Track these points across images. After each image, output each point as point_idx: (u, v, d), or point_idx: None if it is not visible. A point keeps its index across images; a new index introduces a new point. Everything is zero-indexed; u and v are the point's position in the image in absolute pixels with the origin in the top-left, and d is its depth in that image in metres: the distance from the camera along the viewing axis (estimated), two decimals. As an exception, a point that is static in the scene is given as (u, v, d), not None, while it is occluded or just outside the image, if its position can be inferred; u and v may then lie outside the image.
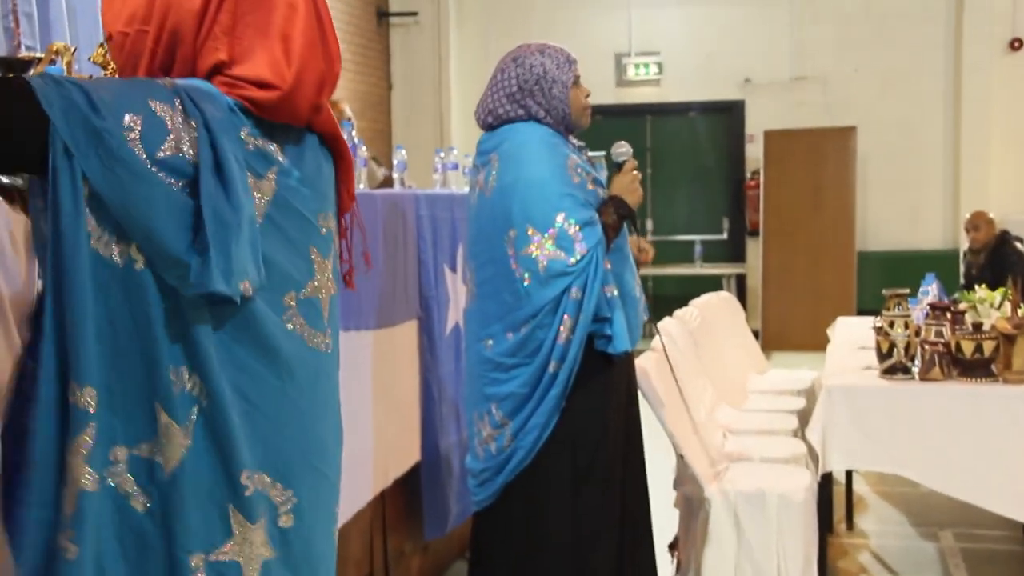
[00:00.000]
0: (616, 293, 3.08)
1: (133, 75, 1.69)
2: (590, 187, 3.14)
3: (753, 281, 10.85)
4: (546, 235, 2.98)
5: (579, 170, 3.11)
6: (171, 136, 1.54)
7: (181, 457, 1.58)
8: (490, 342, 3.09)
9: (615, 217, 3.15)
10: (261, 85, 1.65)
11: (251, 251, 1.62)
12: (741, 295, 10.58)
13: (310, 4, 1.73)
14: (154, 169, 1.52)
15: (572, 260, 2.97)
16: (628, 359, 3.25)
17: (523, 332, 3.02)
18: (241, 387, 1.64)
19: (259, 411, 1.66)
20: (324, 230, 1.79)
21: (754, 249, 10.89)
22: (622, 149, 3.29)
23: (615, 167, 3.27)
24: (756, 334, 8.76)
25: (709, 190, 11.35)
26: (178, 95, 1.58)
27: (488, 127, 3.21)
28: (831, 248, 10.22)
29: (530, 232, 2.99)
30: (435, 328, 4.13)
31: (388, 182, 5.68)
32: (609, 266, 3.06)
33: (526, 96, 3.12)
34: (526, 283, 3.00)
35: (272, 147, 1.69)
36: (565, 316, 2.98)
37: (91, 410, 1.53)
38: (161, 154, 1.53)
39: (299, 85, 1.67)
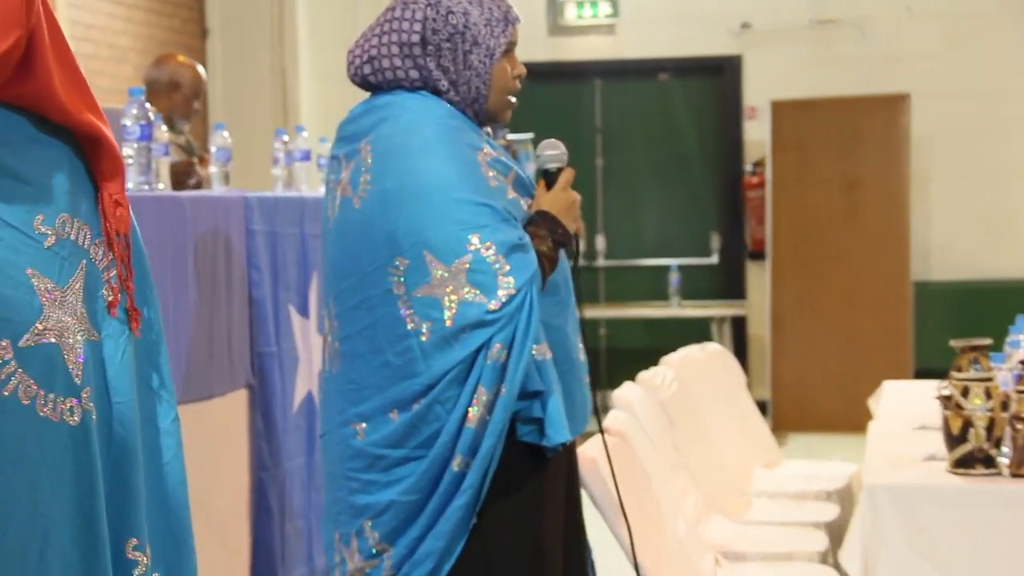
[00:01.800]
0: (550, 356, 3.08)
1: None
2: (511, 193, 3.14)
3: (757, 328, 10.94)
4: (454, 266, 2.98)
5: (494, 168, 3.12)
6: None
7: None
8: (362, 426, 3.08)
9: (551, 243, 3.16)
10: None
11: None
12: (740, 348, 10.64)
13: None
14: None
15: (493, 304, 2.97)
16: (569, 450, 3.25)
17: (415, 410, 3.01)
18: None
19: None
20: (50, 241, 1.79)
21: (758, 279, 10.98)
22: (553, 151, 3.30)
23: (543, 176, 3.28)
24: (763, 407, 8.82)
25: (690, 191, 11.43)
26: None
27: (363, 82, 3.20)
28: (874, 277, 10.34)
29: (429, 261, 2.99)
30: (275, 402, 4.10)
31: (188, 170, 5.61)
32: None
33: (429, 54, 3.13)
34: (424, 338, 2.99)
35: None
36: (480, 388, 2.97)
37: None
38: None
39: None
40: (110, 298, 1.88)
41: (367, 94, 3.25)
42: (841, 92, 10.64)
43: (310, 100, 11.08)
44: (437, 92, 3.15)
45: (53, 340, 1.77)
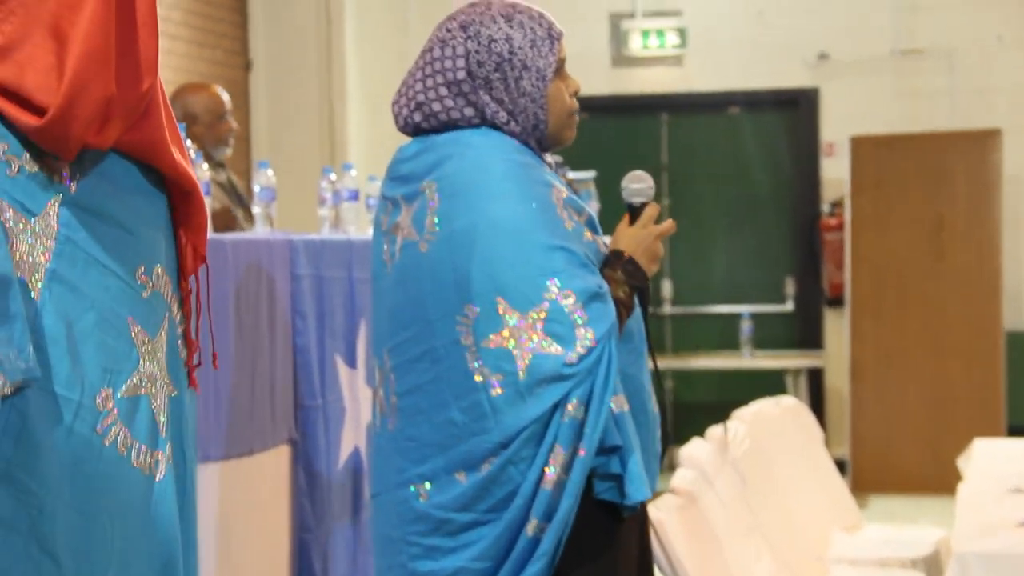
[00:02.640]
0: (627, 408, 3.08)
1: None
2: (588, 235, 3.16)
3: (836, 380, 10.89)
4: (531, 315, 2.99)
5: (569, 208, 3.13)
6: None
7: None
8: (425, 487, 3.08)
9: (627, 289, 3.17)
10: (21, 101, 1.76)
11: (3, 325, 1.69)
12: (817, 403, 10.60)
13: None
14: None
15: (571, 356, 2.97)
16: (642, 508, 3.25)
17: (485, 472, 3.01)
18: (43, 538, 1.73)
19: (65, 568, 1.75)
20: (147, 292, 1.88)
21: (836, 328, 10.94)
22: (639, 184, 3.32)
23: (627, 210, 3.30)
24: (841, 465, 8.78)
25: (763, 233, 11.41)
26: None
27: (415, 130, 3.22)
28: (963, 326, 10.28)
29: (502, 310, 2.99)
30: (319, 458, 4.11)
31: (228, 220, 5.64)
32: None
33: (479, 88, 3.14)
34: (495, 392, 2.99)
35: (53, 167, 1.79)
36: (556, 447, 2.97)
37: None
38: None
39: (68, 114, 1.76)
40: (184, 354, 1.99)
41: None
42: (926, 127, 10.62)
43: (359, 136, 11.14)
44: (495, 126, 3.16)
45: (146, 392, 1.86)
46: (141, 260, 1.87)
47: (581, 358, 2.96)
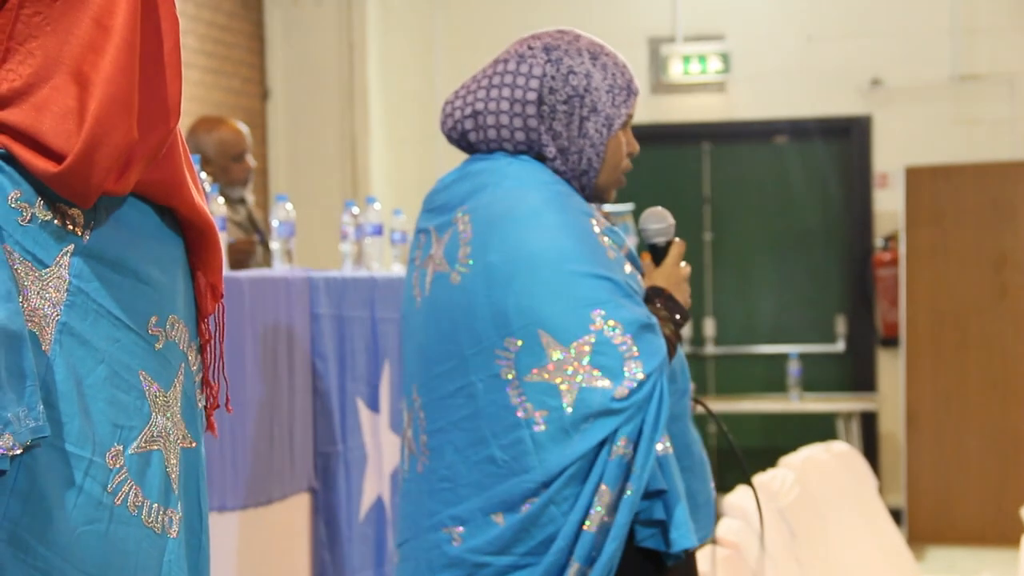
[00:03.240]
0: (671, 450, 3.09)
1: None
2: (628, 268, 3.17)
3: (890, 424, 10.86)
4: (574, 347, 2.99)
5: (610, 240, 3.14)
6: None
7: None
8: (459, 530, 3.08)
9: (672, 328, 3.18)
10: (36, 145, 1.78)
11: (11, 383, 1.70)
12: (870, 448, 10.57)
13: (132, 25, 1.83)
14: None
15: (621, 390, 2.97)
16: (690, 557, 3.25)
17: (526, 512, 3.01)
18: None
19: None
20: (160, 343, 1.90)
21: (891, 369, 10.91)
22: (659, 224, 3.32)
23: (649, 251, 3.31)
24: (897, 515, 8.75)
25: (811, 269, 11.39)
26: None
27: (461, 138, 3.24)
28: (1024, 367, 10.25)
29: (545, 342, 3.00)
30: (340, 508, 4.11)
31: (249, 253, 5.64)
32: None
33: (545, 116, 3.16)
34: (538, 429, 2.99)
35: (66, 214, 1.81)
36: (602, 486, 2.97)
37: None
38: None
39: (87, 160, 1.78)
40: (203, 403, 2.02)
41: (448, 160, 3.27)
42: (986, 157, 10.58)
43: (382, 169, 11.16)
44: (541, 158, 3.17)
45: (158, 448, 1.87)
46: (155, 310, 1.89)
47: (631, 392, 2.96)
